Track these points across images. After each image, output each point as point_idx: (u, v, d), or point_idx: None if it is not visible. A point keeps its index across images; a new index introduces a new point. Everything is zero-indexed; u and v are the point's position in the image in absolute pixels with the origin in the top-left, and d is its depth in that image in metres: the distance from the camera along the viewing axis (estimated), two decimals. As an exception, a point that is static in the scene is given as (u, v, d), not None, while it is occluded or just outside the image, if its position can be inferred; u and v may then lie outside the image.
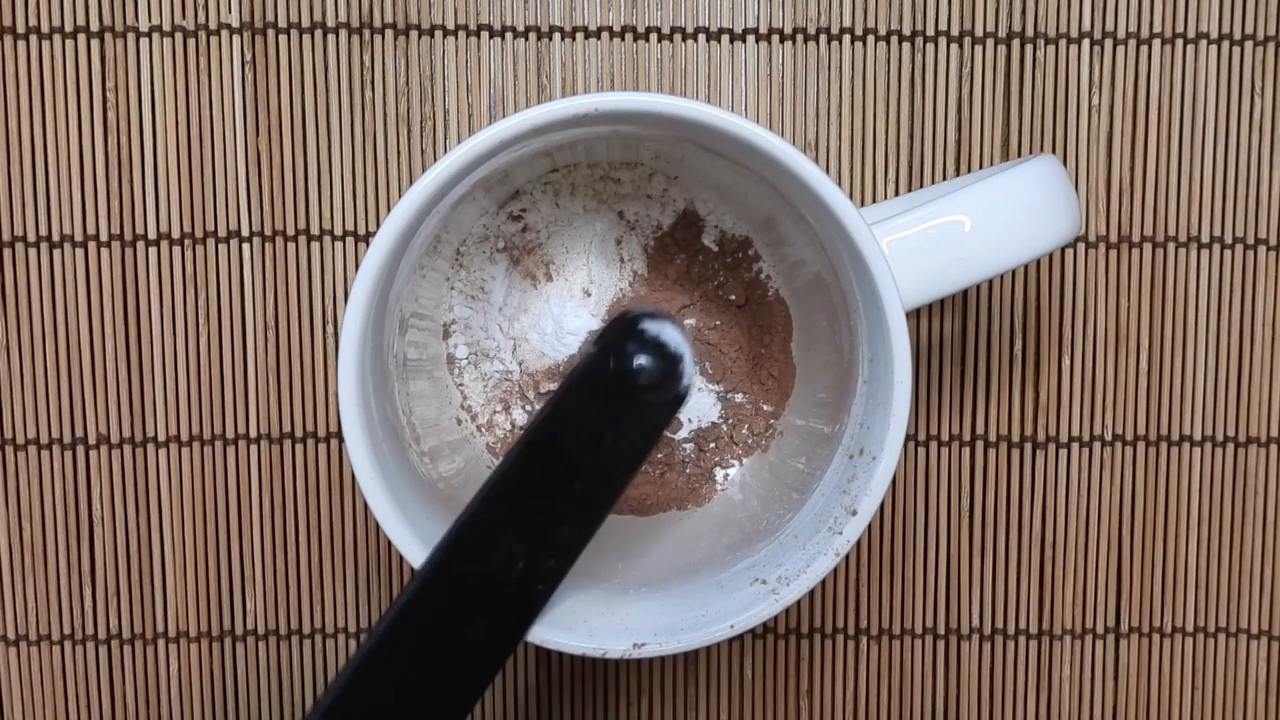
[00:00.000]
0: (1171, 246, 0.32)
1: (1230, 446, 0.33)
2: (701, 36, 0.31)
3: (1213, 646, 0.33)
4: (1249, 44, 0.32)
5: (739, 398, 0.31)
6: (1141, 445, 0.33)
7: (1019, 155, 0.32)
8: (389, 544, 0.32)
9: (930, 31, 0.31)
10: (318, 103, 0.31)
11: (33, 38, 0.31)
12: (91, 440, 0.32)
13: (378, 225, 0.32)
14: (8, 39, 0.31)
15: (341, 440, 0.31)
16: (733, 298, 0.30)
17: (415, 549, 0.25)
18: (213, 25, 0.31)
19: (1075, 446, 0.33)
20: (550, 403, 0.24)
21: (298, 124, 0.31)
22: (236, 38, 0.31)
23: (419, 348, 0.29)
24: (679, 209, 0.30)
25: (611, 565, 0.29)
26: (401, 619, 0.24)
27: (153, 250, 0.31)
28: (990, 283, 0.32)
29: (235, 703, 0.33)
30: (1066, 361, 0.32)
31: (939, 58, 0.32)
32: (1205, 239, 0.32)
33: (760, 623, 0.25)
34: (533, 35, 0.31)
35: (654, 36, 0.31)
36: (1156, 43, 0.32)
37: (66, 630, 0.33)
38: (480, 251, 0.30)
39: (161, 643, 0.33)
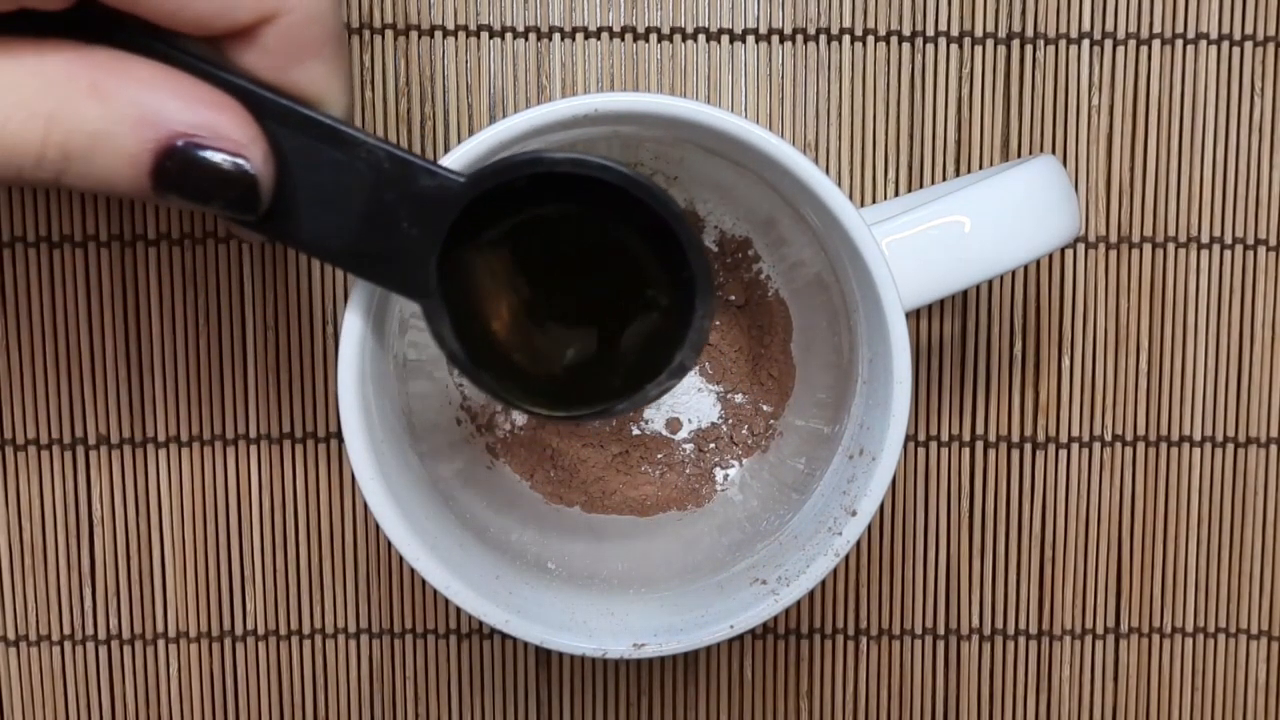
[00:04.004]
0: (1171, 247, 0.32)
1: (1230, 447, 0.33)
2: (701, 37, 0.31)
3: (1213, 647, 0.33)
4: (1249, 44, 0.32)
5: (739, 398, 0.31)
6: (1141, 445, 0.33)
7: (1019, 155, 0.32)
8: (389, 544, 0.32)
9: (930, 32, 0.31)
10: (318, 103, 0.31)
11: (33, 38, 0.31)
12: (91, 440, 0.32)
13: (378, 225, 0.32)
14: (8, 39, 0.31)
15: (341, 440, 0.31)
16: (733, 298, 0.30)
17: (415, 549, 0.25)
18: (213, 25, 0.31)
19: (1075, 447, 0.33)
20: None
21: (298, 124, 0.31)
22: (236, 38, 0.31)
23: (419, 348, 0.29)
24: (679, 209, 0.30)
25: (611, 565, 0.29)
26: None
27: (153, 250, 0.31)
28: (990, 283, 0.32)
29: (235, 703, 0.33)
30: (1066, 362, 0.32)
31: (939, 58, 0.32)
32: (1205, 239, 0.32)
33: (760, 623, 0.25)
34: (532, 35, 0.31)
35: (654, 37, 0.31)
36: (1156, 43, 0.32)
37: (66, 630, 0.32)
38: (480, 252, 0.30)
39: (161, 643, 0.33)
